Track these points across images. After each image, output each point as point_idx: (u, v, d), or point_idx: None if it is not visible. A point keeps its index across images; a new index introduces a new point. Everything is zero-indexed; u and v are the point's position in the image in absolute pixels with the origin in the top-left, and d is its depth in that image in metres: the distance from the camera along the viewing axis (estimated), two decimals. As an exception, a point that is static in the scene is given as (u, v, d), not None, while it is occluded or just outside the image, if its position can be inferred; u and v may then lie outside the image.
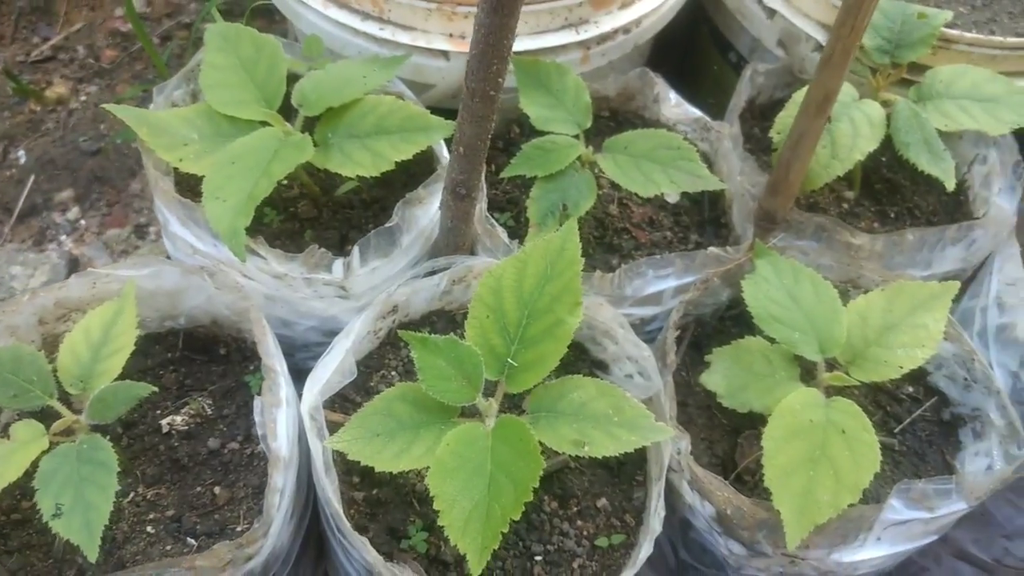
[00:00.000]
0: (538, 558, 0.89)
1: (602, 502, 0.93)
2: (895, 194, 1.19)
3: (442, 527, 0.76)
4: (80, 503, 0.79)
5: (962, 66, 1.10)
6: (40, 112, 1.90)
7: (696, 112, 1.20)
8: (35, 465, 0.82)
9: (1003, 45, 1.13)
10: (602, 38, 1.19)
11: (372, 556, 0.79)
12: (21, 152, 1.84)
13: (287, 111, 1.02)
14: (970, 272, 1.13)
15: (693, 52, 1.55)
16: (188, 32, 1.99)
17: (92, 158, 1.83)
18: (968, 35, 1.13)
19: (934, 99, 1.08)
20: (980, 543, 1.12)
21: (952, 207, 1.19)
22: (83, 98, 1.93)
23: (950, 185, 1.02)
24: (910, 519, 0.88)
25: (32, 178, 1.79)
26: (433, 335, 0.83)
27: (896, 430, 1.01)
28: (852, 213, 1.17)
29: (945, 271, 1.09)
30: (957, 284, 0.94)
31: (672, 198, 1.16)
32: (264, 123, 1.00)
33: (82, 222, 1.75)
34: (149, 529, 0.90)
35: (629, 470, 0.96)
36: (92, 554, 0.77)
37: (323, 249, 0.95)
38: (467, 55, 1.13)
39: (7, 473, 0.79)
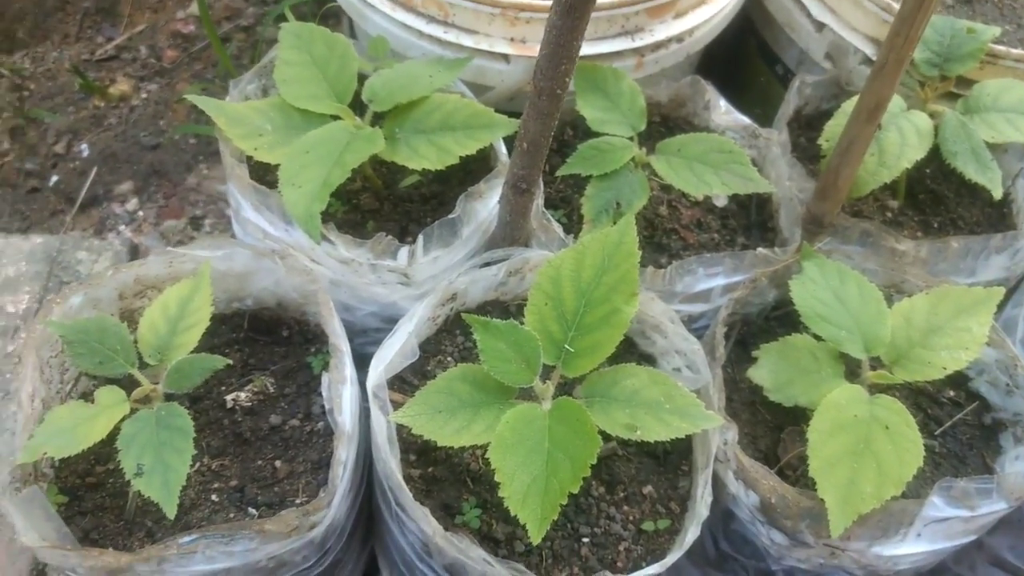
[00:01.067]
0: (585, 540, 0.92)
1: (648, 489, 0.96)
2: (939, 204, 1.21)
3: (497, 501, 0.80)
4: (159, 464, 0.83)
5: (1008, 80, 1.13)
6: (103, 108, 1.98)
7: (745, 119, 1.23)
8: (116, 429, 0.87)
9: (1049, 62, 1.16)
10: (656, 46, 1.23)
11: (432, 526, 0.82)
12: (84, 145, 1.91)
13: (356, 107, 1.07)
14: (1014, 281, 1.15)
15: (740, 64, 1.59)
16: (246, 35, 2.07)
17: (151, 152, 1.90)
18: (1015, 51, 1.16)
19: (981, 112, 1.11)
20: (1016, 550, 1.14)
21: (996, 219, 1.21)
22: (144, 95, 2.00)
23: (997, 194, 1.05)
24: (951, 517, 0.91)
25: (94, 170, 1.86)
26: (495, 320, 0.87)
27: (937, 432, 1.03)
28: (896, 222, 1.20)
29: (989, 279, 1.11)
30: (1002, 290, 0.97)
31: (720, 201, 1.20)
32: (335, 117, 1.05)
33: (140, 213, 1.82)
34: (214, 497, 0.95)
35: (675, 459, 0.99)
36: (171, 511, 0.81)
37: (390, 237, 1.00)
38: (527, 58, 1.19)
39: (92, 433, 0.84)
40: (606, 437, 0.87)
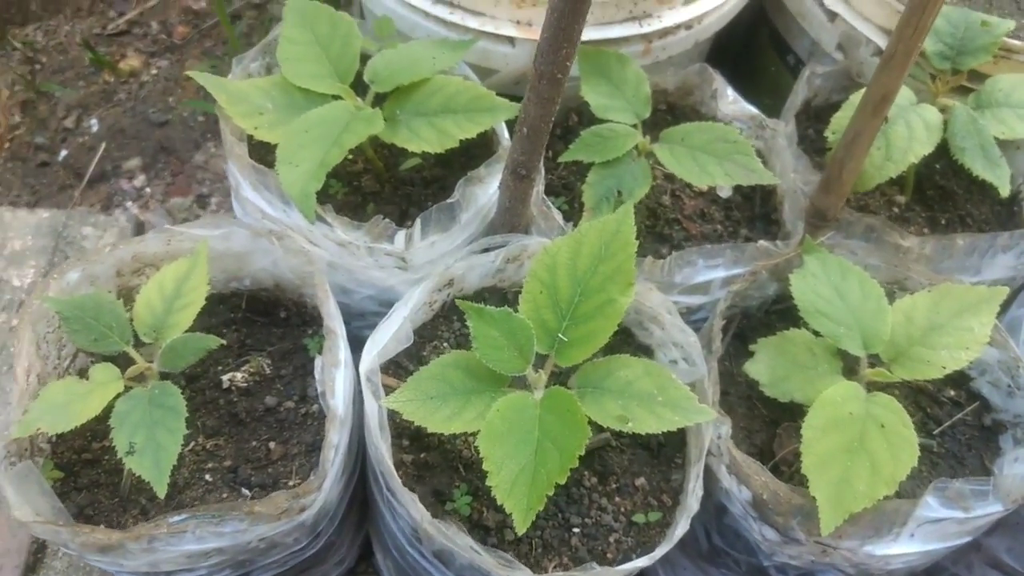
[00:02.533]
0: (576, 530, 0.92)
1: (640, 481, 0.96)
2: (947, 201, 1.20)
3: (488, 489, 0.80)
4: (152, 443, 0.84)
5: (1023, 75, 1.10)
6: (113, 83, 1.98)
7: (752, 109, 1.22)
8: (110, 406, 0.87)
9: (1066, 57, 1.13)
10: (664, 32, 1.21)
11: (420, 513, 0.82)
12: (94, 120, 1.91)
13: (358, 87, 1.07)
14: (1020, 281, 1.13)
15: (751, 53, 1.57)
16: (257, 12, 2.06)
17: (160, 129, 1.90)
18: (1031, 46, 1.13)
19: (993, 107, 1.09)
20: (1014, 552, 1.12)
21: (1005, 217, 1.19)
22: (154, 71, 2.00)
23: (1004, 191, 1.03)
24: (945, 517, 0.90)
25: (103, 146, 1.86)
26: (489, 307, 0.86)
27: (935, 432, 1.02)
28: (902, 218, 1.18)
29: (995, 278, 1.09)
30: (1006, 289, 0.95)
31: (724, 192, 1.18)
32: (336, 97, 1.04)
33: (147, 190, 1.82)
34: (207, 477, 0.95)
35: (668, 452, 0.98)
36: (161, 490, 0.81)
37: (387, 220, 0.99)
38: (533, 42, 1.17)
39: (86, 410, 0.84)
40: (600, 428, 0.87)
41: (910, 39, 0.84)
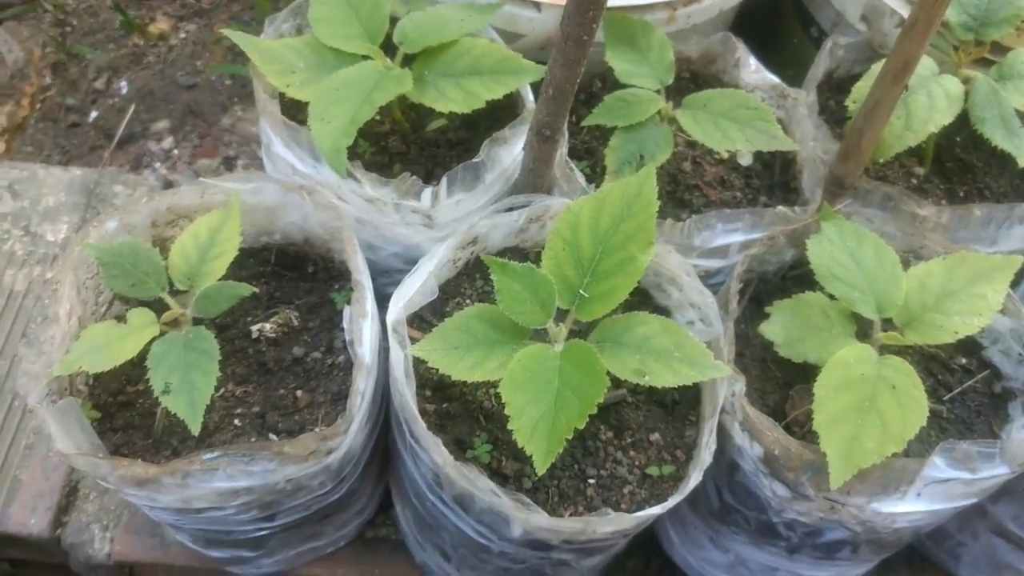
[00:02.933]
0: (591, 481, 0.95)
1: (655, 436, 0.99)
2: (966, 173, 1.21)
3: (507, 439, 0.83)
4: (186, 384, 0.87)
5: (1046, 49, 1.11)
6: (143, 46, 2.01)
7: (774, 79, 1.23)
8: (146, 350, 0.91)
9: (1090, 31, 1.14)
10: (689, 0, 1.22)
11: (443, 456, 0.86)
12: (124, 83, 1.95)
13: (388, 48, 1.09)
14: (1036, 253, 1.14)
15: (774, 24, 1.57)
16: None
17: (188, 92, 1.93)
18: (1055, 19, 1.14)
19: (1015, 79, 1.09)
20: (1020, 520, 1.15)
21: None
22: (183, 35, 2.03)
23: (1022, 162, 1.04)
24: (952, 478, 0.92)
25: (132, 108, 1.90)
26: (512, 262, 0.89)
27: (946, 398, 1.04)
28: (920, 189, 1.19)
29: (1012, 249, 1.10)
30: (1020, 259, 0.97)
31: (745, 159, 1.20)
32: (366, 57, 1.06)
33: (175, 151, 1.85)
34: (237, 422, 0.99)
35: (683, 409, 1.01)
36: (196, 428, 0.85)
37: (414, 177, 1.02)
38: (559, 8, 1.19)
39: (124, 351, 0.88)
40: (617, 383, 0.90)
41: (932, 6, 0.85)
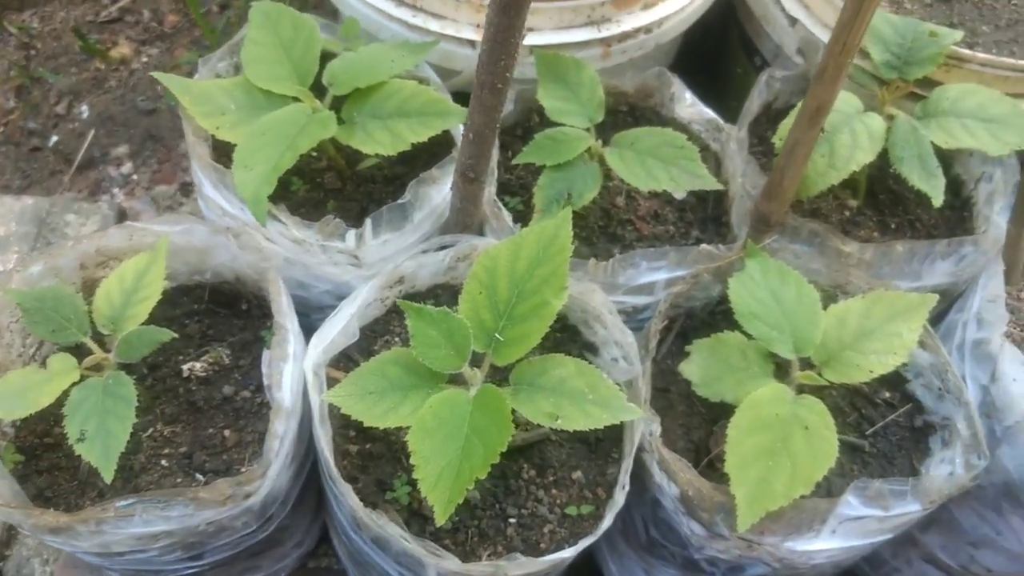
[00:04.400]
0: (512, 521, 0.96)
1: (577, 474, 1.00)
2: (898, 205, 1.22)
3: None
4: (102, 431, 0.88)
5: (971, 85, 1.12)
6: (104, 70, 2.02)
7: (709, 113, 1.24)
8: (66, 395, 0.92)
9: (1015, 67, 1.15)
10: (623, 36, 1.24)
11: (354, 502, 0.87)
12: (84, 107, 1.96)
13: (319, 89, 1.10)
14: (962, 286, 1.16)
15: (723, 53, 1.59)
16: (244, 2, 2.09)
17: (148, 117, 1.94)
18: (980, 55, 1.15)
19: (939, 116, 1.11)
20: (947, 549, 1.16)
21: (954, 222, 1.22)
22: (144, 59, 2.04)
23: (937, 202, 1.05)
24: (865, 516, 0.93)
25: (92, 132, 1.91)
26: (428, 306, 0.90)
27: (868, 432, 1.05)
28: (853, 221, 1.20)
29: (935, 284, 1.12)
30: (935, 297, 0.98)
31: (679, 194, 1.21)
32: (296, 99, 1.07)
33: (134, 177, 1.86)
34: (164, 462, 1.00)
35: (606, 447, 1.02)
36: (108, 476, 0.86)
37: (338, 219, 1.03)
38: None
39: (41, 399, 0.89)
40: (536, 424, 0.91)
41: (839, 56, 0.87)
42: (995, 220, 1.13)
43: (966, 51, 1.15)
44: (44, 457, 0.99)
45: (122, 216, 1.65)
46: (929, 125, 1.10)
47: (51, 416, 1.01)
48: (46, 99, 2.00)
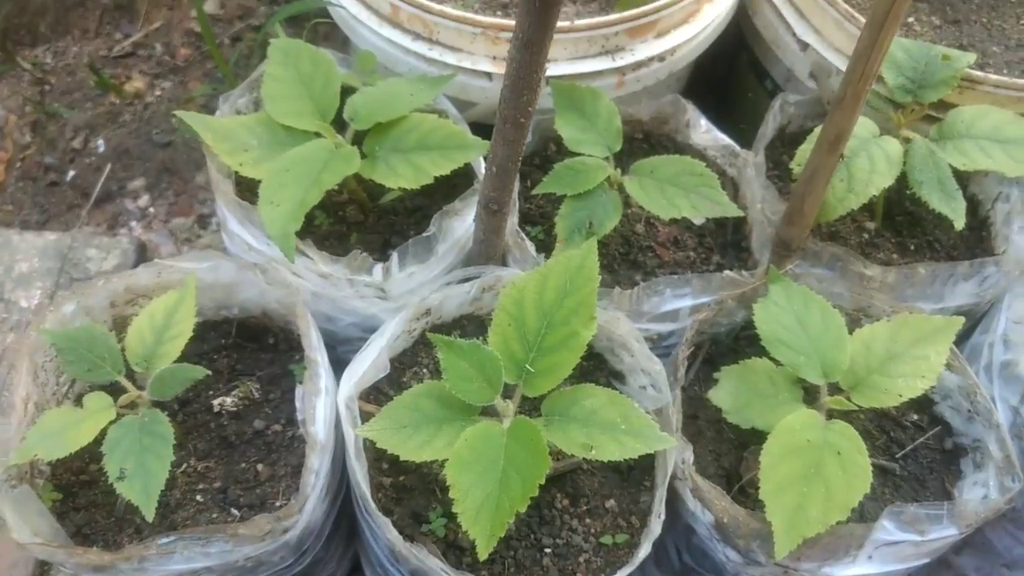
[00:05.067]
0: (547, 551, 0.96)
1: (611, 503, 1.00)
2: (916, 227, 1.23)
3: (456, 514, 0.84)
4: (141, 469, 0.89)
5: (985, 107, 1.14)
6: (119, 104, 2.04)
7: (725, 139, 1.25)
8: (103, 433, 0.92)
9: (1028, 88, 1.16)
10: (637, 65, 1.25)
11: (393, 535, 0.87)
12: (100, 141, 1.98)
13: (340, 123, 1.11)
14: (985, 307, 1.16)
15: (734, 78, 1.60)
16: (256, 34, 2.11)
17: (163, 150, 1.96)
18: (993, 77, 1.16)
19: (954, 138, 1.12)
20: (982, 571, 1.16)
21: (973, 242, 1.23)
22: (158, 93, 2.06)
23: (959, 224, 1.06)
24: (901, 540, 0.93)
25: (109, 166, 1.92)
26: (458, 339, 0.91)
27: (898, 455, 1.06)
28: (872, 244, 1.21)
29: (958, 305, 1.12)
30: (961, 320, 0.99)
31: (698, 220, 1.22)
32: (317, 134, 1.09)
33: (151, 210, 1.88)
34: (198, 498, 1.00)
35: (638, 475, 1.02)
36: (149, 515, 0.87)
37: (364, 253, 1.04)
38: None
39: (80, 437, 0.90)
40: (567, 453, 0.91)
41: (857, 83, 0.88)
42: (1015, 240, 1.14)
43: (979, 73, 1.17)
44: (81, 494, 1.00)
45: (142, 249, 1.67)
46: (945, 147, 1.11)
47: (86, 454, 1.01)
48: (62, 134, 2.02)
